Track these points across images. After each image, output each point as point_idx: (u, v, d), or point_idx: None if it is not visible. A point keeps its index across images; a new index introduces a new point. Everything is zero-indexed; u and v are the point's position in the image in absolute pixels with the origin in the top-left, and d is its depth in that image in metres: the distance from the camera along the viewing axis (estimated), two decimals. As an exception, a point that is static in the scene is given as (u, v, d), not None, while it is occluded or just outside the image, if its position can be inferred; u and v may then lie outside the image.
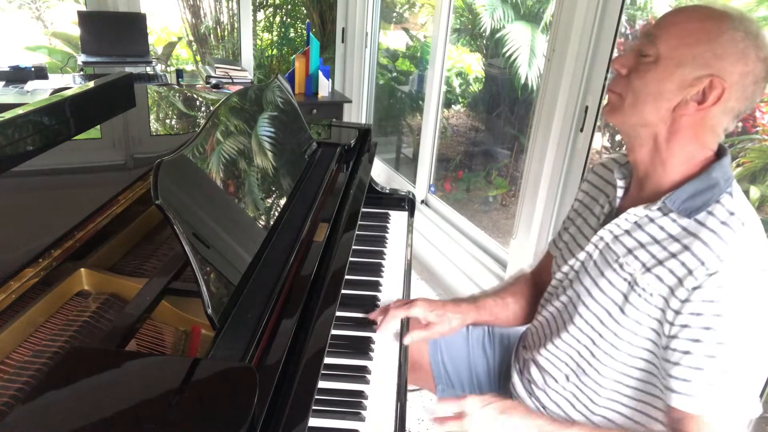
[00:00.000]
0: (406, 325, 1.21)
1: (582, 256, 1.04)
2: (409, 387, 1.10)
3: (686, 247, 0.86)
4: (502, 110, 3.73)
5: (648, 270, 0.90)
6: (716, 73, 0.83)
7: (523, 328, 1.31)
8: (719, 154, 0.92)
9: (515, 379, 1.22)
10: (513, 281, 1.34)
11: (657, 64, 0.87)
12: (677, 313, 0.85)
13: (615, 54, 1.87)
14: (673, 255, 0.87)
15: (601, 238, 1.00)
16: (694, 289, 0.83)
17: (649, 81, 0.88)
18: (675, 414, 0.87)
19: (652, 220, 0.93)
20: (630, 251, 0.94)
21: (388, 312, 1.18)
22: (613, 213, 1.02)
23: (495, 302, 1.27)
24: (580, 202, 1.16)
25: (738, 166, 2.26)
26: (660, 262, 0.88)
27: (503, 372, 1.34)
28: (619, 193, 1.01)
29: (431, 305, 1.21)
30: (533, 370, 1.15)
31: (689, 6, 0.90)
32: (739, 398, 0.83)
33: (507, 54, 3.39)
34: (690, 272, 0.84)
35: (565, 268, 1.09)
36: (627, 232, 0.96)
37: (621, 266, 0.95)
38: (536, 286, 1.30)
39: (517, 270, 1.41)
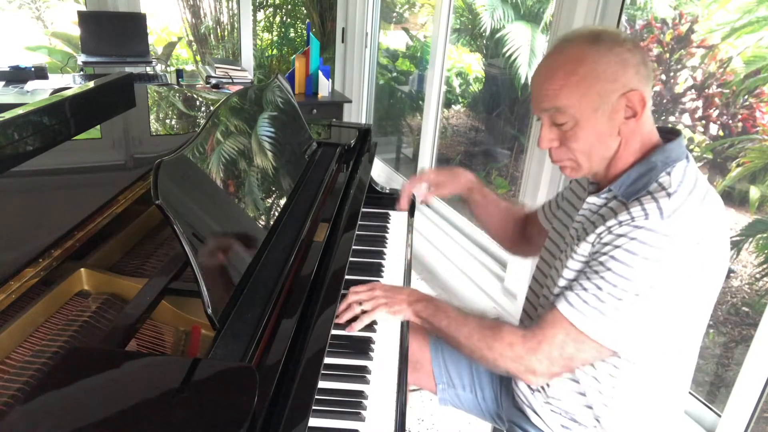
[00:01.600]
0: (406, 326, 1.21)
1: (563, 246, 1.11)
2: (409, 387, 1.11)
3: (615, 215, 0.93)
4: (502, 110, 3.73)
5: (585, 238, 0.98)
6: (624, 89, 0.91)
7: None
8: (671, 137, 0.99)
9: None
10: (511, 205, 1.46)
11: (579, 124, 0.94)
12: (596, 251, 0.94)
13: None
14: (605, 221, 0.95)
15: (575, 229, 1.06)
16: (617, 235, 0.91)
17: (585, 137, 0.95)
18: (549, 315, 0.97)
19: (607, 206, 1.00)
20: (587, 233, 1.01)
21: (407, 191, 1.42)
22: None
23: (496, 197, 1.42)
24: (569, 198, 1.20)
25: (738, 166, 2.26)
26: (594, 229, 0.96)
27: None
28: (591, 188, 1.09)
29: (439, 170, 1.44)
30: None
31: (552, 62, 0.96)
32: (606, 331, 0.92)
33: (507, 54, 3.39)
34: (612, 225, 0.92)
35: (556, 254, 1.13)
36: (589, 220, 1.03)
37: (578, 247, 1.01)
38: (524, 224, 1.41)
39: (521, 203, 1.57)
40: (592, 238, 0.95)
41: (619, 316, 0.90)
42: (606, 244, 0.92)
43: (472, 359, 1.07)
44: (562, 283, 1.00)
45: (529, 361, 0.97)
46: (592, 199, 1.02)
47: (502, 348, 0.99)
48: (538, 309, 1.14)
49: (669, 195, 0.90)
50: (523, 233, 1.40)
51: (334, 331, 1.04)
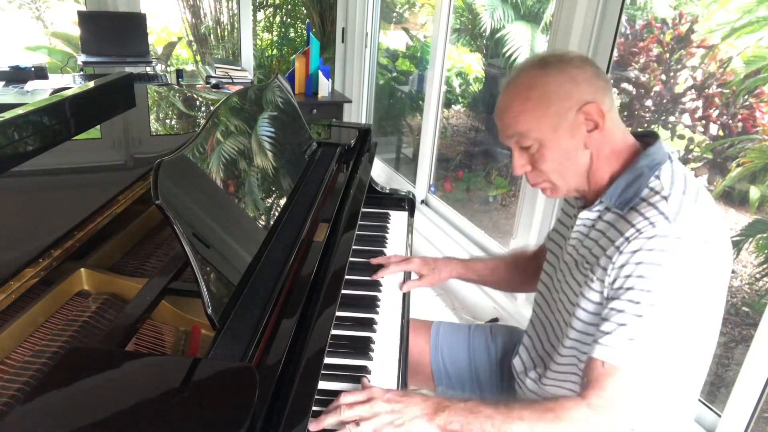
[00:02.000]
0: (406, 326, 1.22)
1: (562, 266, 1.10)
2: (409, 387, 1.10)
3: (620, 232, 0.92)
4: (502, 110, 3.72)
5: (598, 264, 0.95)
6: (578, 104, 0.93)
7: (524, 327, 1.31)
8: (651, 140, 0.99)
9: (519, 377, 1.22)
10: (512, 252, 1.46)
11: (544, 145, 0.96)
12: (614, 279, 0.91)
13: (615, 55, 1.88)
14: (612, 242, 0.93)
15: (573, 247, 1.06)
16: (630, 252, 0.89)
17: (553, 158, 0.97)
18: (594, 368, 0.90)
19: (601, 219, 1.00)
20: (589, 251, 1.00)
21: (389, 267, 1.36)
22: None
23: (485, 265, 1.42)
24: (561, 219, 1.21)
25: (738, 166, 2.26)
26: (604, 252, 0.94)
27: (505, 371, 1.34)
28: (579, 203, 1.09)
29: (425, 261, 1.39)
30: (532, 371, 1.17)
31: (508, 95, 0.99)
32: (652, 355, 0.88)
33: (507, 54, 3.39)
34: (621, 245, 0.90)
35: (557, 279, 1.12)
36: (586, 235, 1.03)
37: (583, 266, 1.00)
38: (534, 262, 1.36)
39: (522, 245, 1.48)
40: (603, 261, 0.93)
41: (656, 333, 0.87)
42: (623, 266, 0.89)
43: None
44: (581, 314, 0.98)
45: (614, 425, 0.89)
46: (585, 214, 1.02)
47: (577, 428, 0.87)
48: (553, 324, 1.11)
49: (665, 198, 0.90)
50: (534, 273, 1.28)
51: (334, 331, 1.04)
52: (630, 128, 1.03)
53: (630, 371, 0.88)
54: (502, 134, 1.01)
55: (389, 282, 1.38)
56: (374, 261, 1.38)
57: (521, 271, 1.39)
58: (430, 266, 1.38)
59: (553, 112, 0.94)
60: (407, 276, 1.40)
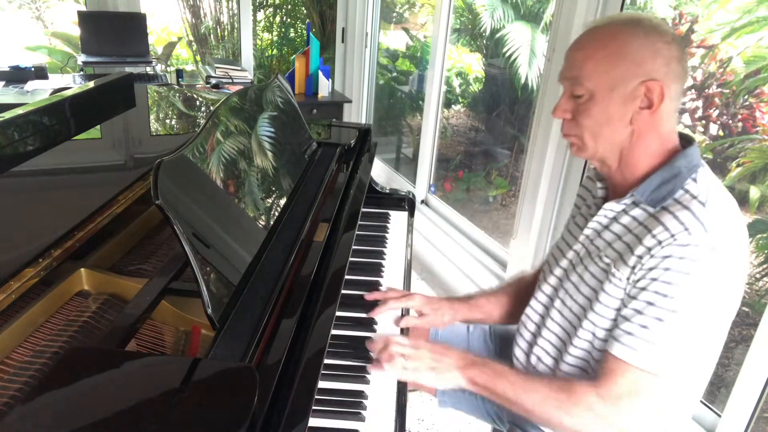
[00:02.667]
0: (406, 329, 1.21)
1: (571, 254, 1.08)
2: (409, 387, 1.10)
3: (650, 231, 0.90)
4: (502, 110, 3.73)
5: (623, 260, 0.93)
6: (646, 77, 0.90)
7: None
8: (685, 144, 0.97)
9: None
10: (512, 281, 1.38)
11: (593, 99, 0.93)
12: (639, 278, 0.90)
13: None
14: (640, 240, 0.91)
15: (587, 236, 1.04)
16: (662, 257, 0.87)
17: (595, 115, 0.94)
18: (611, 363, 0.92)
19: (626, 213, 0.97)
20: (609, 244, 0.98)
21: (387, 303, 1.25)
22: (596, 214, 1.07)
23: (488, 301, 1.33)
24: (572, 217, 1.18)
25: (738, 166, 2.26)
26: (631, 250, 0.92)
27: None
28: (600, 193, 1.07)
29: (428, 300, 1.30)
30: (529, 361, 1.16)
31: (587, 35, 0.96)
32: (671, 361, 0.88)
33: (507, 54, 3.39)
34: (652, 247, 0.88)
35: (560, 267, 1.11)
36: (606, 227, 1.01)
37: (601, 258, 0.99)
38: (534, 286, 1.30)
39: (519, 271, 1.44)
40: (632, 261, 0.91)
41: (675, 340, 0.87)
42: (651, 269, 0.88)
43: (543, 425, 1.01)
44: (601, 311, 0.96)
45: (616, 420, 0.90)
46: (611, 205, 0.99)
47: (582, 412, 0.92)
48: (554, 324, 1.09)
49: (703, 204, 0.88)
50: None
51: (334, 331, 1.04)
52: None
53: (644, 373, 0.88)
54: (562, 72, 0.98)
55: (390, 282, 1.38)
56: (370, 297, 1.27)
57: (527, 299, 1.29)
58: (432, 307, 1.29)
59: (619, 72, 0.90)
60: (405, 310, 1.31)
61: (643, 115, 0.92)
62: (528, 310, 1.19)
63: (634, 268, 0.91)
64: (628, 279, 0.92)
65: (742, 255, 0.90)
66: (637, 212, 0.95)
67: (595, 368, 0.99)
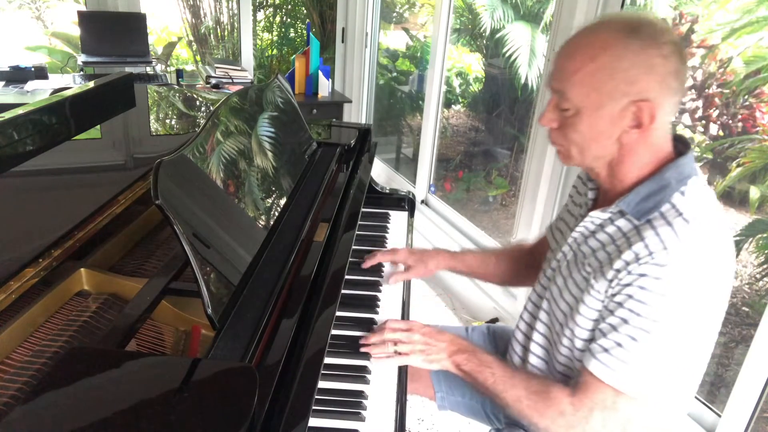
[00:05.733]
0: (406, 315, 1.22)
1: (559, 255, 1.07)
2: (408, 395, 1.10)
3: (631, 246, 0.88)
4: (502, 110, 3.73)
5: (602, 272, 0.92)
6: (637, 97, 0.84)
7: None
8: (682, 148, 0.94)
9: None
10: (506, 245, 1.43)
11: (580, 115, 0.89)
12: (616, 293, 0.89)
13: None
14: (620, 253, 0.89)
15: (575, 240, 1.03)
16: (638, 275, 0.85)
17: (582, 131, 0.90)
18: (586, 377, 0.92)
19: (612, 222, 0.95)
20: (593, 252, 0.97)
21: (375, 255, 1.37)
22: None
23: (474, 257, 1.40)
24: (571, 199, 1.18)
25: (738, 166, 2.26)
26: (610, 263, 0.90)
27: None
28: (590, 195, 1.05)
29: (411, 252, 1.40)
30: (523, 360, 1.17)
31: (578, 41, 0.89)
32: (645, 384, 0.87)
33: (507, 54, 3.39)
34: (630, 262, 0.86)
35: (550, 267, 1.11)
36: (592, 233, 0.99)
37: (584, 266, 0.98)
38: (530, 256, 1.34)
39: (520, 238, 1.47)
40: (610, 274, 0.89)
41: (650, 361, 0.86)
42: (626, 285, 0.87)
43: (521, 420, 1.01)
44: (581, 322, 0.96)
45: (586, 430, 0.91)
46: (596, 214, 0.97)
47: (554, 416, 0.93)
48: (541, 325, 1.10)
49: (687, 221, 0.85)
50: (530, 265, 1.31)
51: (334, 331, 1.04)
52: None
53: (619, 393, 0.88)
54: (550, 80, 0.92)
55: (389, 284, 1.38)
56: (366, 265, 1.38)
57: (514, 263, 1.36)
58: (416, 257, 1.37)
59: (608, 90, 0.85)
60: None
61: (632, 133, 0.88)
62: (522, 310, 1.20)
63: (611, 281, 0.90)
64: (606, 292, 0.91)
65: (725, 274, 0.87)
66: (622, 222, 0.93)
67: (575, 375, 0.99)
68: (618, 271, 0.88)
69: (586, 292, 0.95)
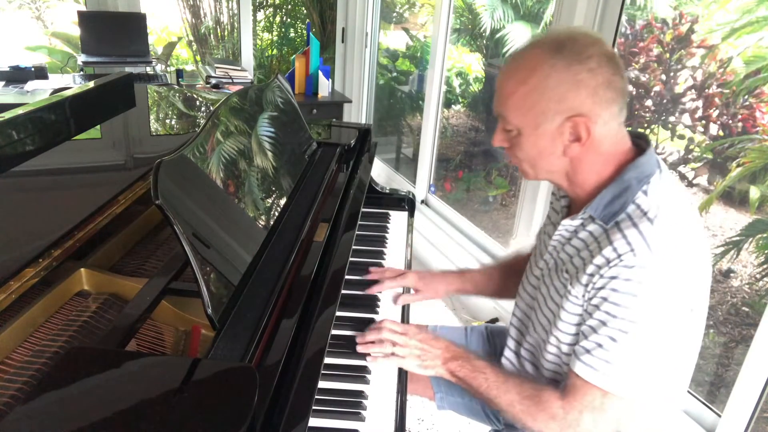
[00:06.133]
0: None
1: (542, 264, 1.09)
2: (408, 395, 1.10)
3: (601, 250, 0.89)
4: (502, 110, 3.72)
5: (577, 278, 0.93)
6: (570, 113, 0.87)
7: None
8: (643, 145, 0.95)
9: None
10: (506, 257, 1.42)
11: (522, 135, 0.93)
12: (592, 297, 0.91)
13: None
14: (592, 258, 0.91)
15: (554, 248, 1.05)
16: (609, 278, 0.87)
17: (527, 150, 0.94)
18: (573, 379, 0.93)
19: (584, 227, 0.97)
20: (570, 258, 0.99)
21: (383, 283, 1.33)
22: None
23: (480, 275, 1.39)
24: (551, 206, 1.19)
25: (738, 166, 2.26)
26: (584, 268, 0.92)
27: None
28: (563, 202, 1.08)
29: (420, 276, 1.37)
30: (516, 363, 1.18)
31: (511, 65, 0.92)
32: (630, 382, 0.88)
33: (507, 54, 3.39)
34: (602, 266, 0.88)
35: (534, 275, 1.13)
36: (568, 240, 1.01)
37: (563, 273, 0.99)
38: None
39: (515, 248, 1.46)
40: (584, 279, 0.91)
41: (632, 360, 0.87)
42: (600, 289, 0.89)
43: (515, 424, 1.03)
44: (563, 327, 0.98)
45: (577, 431, 0.93)
46: (567, 222, 0.99)
47: (546, 419, 0.95)
48: (531, 330, 1.12)
49: (651, 221, 0.86)
50: None
51: (334, 331, 1.04)
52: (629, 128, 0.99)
53: (606, 393, 0.89)
54: (494, 103, 0.96)
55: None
56: (370, 277, 1.35)
57: (518, 275, 1.35)
58: (425, 281, 1.36)
59: (540, 109, 0.88)
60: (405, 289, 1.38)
61: (573, 147, 0.91)
62: (511, 316, 1.21)
63: (587, 286, 0.91)
64: (583, 296, 0.93)
65: (697, 267, 0.89)
66: (593, 227, 0.95)
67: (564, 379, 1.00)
68: (591, 275, 0.90)
69: (565, 299, 0.96)
